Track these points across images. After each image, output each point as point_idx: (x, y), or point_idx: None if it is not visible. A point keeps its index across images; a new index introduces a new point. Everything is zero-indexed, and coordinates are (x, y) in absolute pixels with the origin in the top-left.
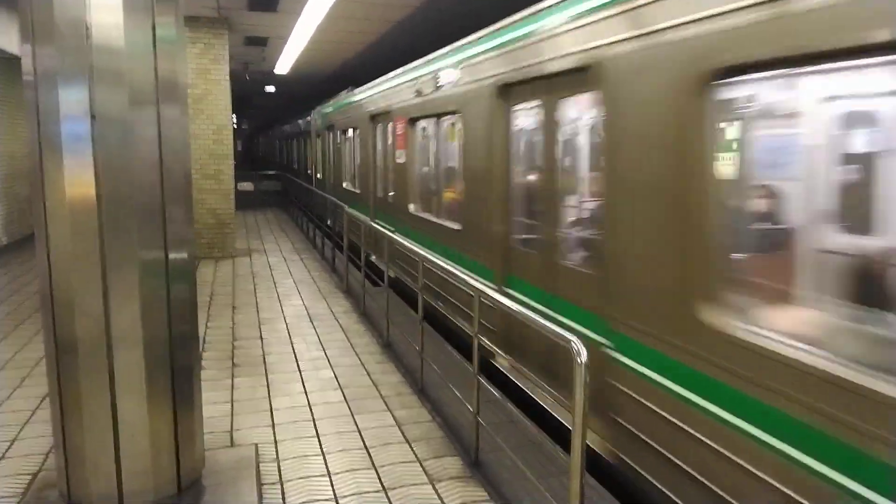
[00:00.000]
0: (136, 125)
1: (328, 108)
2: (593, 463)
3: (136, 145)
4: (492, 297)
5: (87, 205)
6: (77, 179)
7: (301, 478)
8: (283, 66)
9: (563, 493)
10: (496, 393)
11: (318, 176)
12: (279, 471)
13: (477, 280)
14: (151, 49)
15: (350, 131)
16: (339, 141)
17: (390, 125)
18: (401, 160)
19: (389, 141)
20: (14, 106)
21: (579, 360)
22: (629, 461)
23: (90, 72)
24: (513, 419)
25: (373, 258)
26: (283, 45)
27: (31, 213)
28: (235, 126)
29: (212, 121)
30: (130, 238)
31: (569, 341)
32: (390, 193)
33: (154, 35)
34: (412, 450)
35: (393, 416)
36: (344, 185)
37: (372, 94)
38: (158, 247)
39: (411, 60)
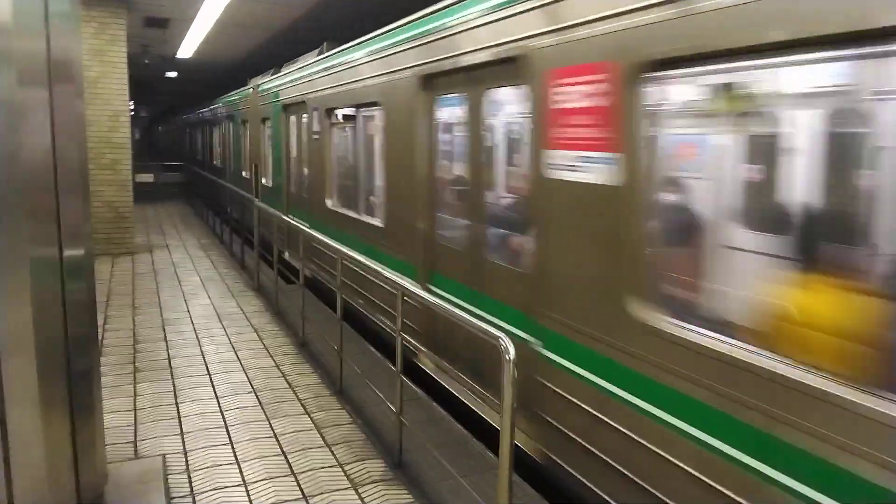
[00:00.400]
0: (25, 108)
1: (236, 96)
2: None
3: (26, 130)
4: (415, 294)
5: None
6: None
7: (214, 489)
8: (186, 50)
9: (490, 491)
10: (419, 392)
11: (228, 168)
12: (190, 482)
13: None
14: (44, 25)
15: (262, 122)
16: (250, 132)
17: (305, 116)
18: (316, 153)
19: (304, 133)
20: None
21: (507, 357)
22: (555, 457)
23: None
24: (436, 418)
25: (286, 255)
26: (188, 28)
27: None
28: (133, 113)
29: (108, 106)
30: (19, 233)
31: (497, 338)
32: (306, 188)
33: (46, 10)
34: (333, 454)
35: (311, 419)
36: (245, 175)
37: (284, 82)
38: (52, 243)
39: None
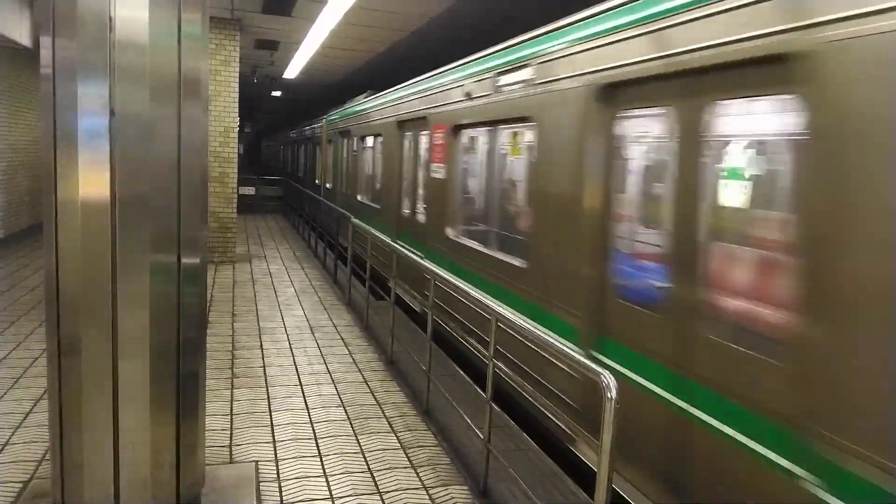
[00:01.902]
0: (156, 123)
1: (341, 113)
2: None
3: (156, 143)
4: (510, 321)
5: (100, 203)
6: (92, 176)
7: (303, 501)
8: (291, 71)
9: None
10: (509, 420)
11: (327, 185)
12: (280, 492)
13: (496, 303)
14: (176, 46)
15: (370, 139)
16: (354, 149)
17: (425, 133)
18: (438, 175)
19: (422, 152)
20: (17, 97)
21: (609, 395)
22: None
23: (111, 67)
24: (524, 448)
25: (390, 284)
26: (294, 50)
27: (41, 207)
28: (239, 129)
29: (219, 123)
30: (143, 240)
31: (598, 374)
32: (420, 212)
33: (179, 32)
34: (418, 475)
35: (397, 437)
36: (358, 197)
37: (401, 96)
38: (171, 250)
39: (423, 71)
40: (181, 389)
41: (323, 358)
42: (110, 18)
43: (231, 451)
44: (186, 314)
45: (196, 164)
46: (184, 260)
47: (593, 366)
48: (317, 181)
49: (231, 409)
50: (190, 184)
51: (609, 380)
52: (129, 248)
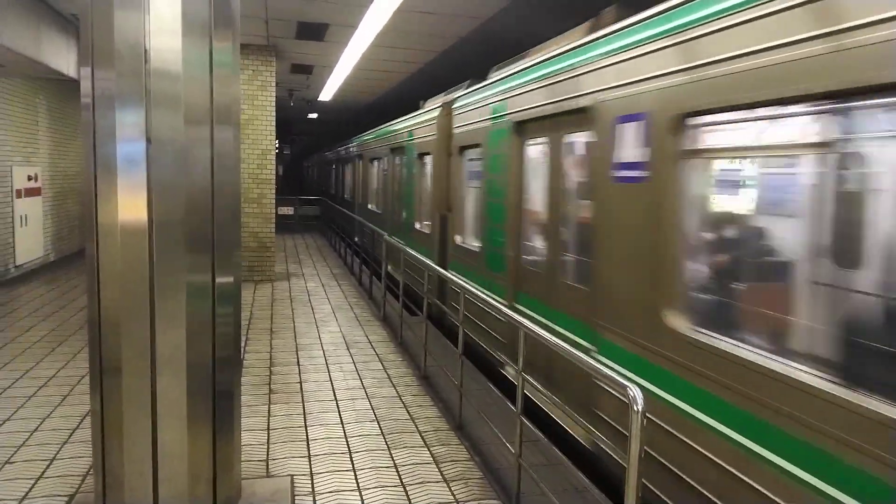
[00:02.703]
0: (190, 149)
1: (388, 129)
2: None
3: (190, 169)
4: (537, 333)
5: (138, 227)
6: (130, 202)
7: None
8: (326, 94)
9: None
10: (539, 434)
11: (375, 209)
12: None
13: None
14: (208, 74)
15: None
16: (414, 169)
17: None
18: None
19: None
20: (66, 126)
21: (636, 408)
22: None
23: (147, 95)
24: (555, 462)
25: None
26: (328, 73)
27: (82, 232)
28: (277, 151)
29: (256, 146)
30: (180, 262)
31: (625, 387)
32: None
33: (211, 60)
34: (450, 490)
35: (430, 452)
36: (416, 226)
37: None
38: (206, 270)
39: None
40: (217, 405)
41: (358, 373)
42: (145, 50)
43: (268, 464)
44: (222, 332)
45: (229, 187)
46: (218, 280)
47: (620, 379)
48: (359, 201)
49: (268, 424)
50: (224, 206)
51: (636, 393)
52: (166, 269)
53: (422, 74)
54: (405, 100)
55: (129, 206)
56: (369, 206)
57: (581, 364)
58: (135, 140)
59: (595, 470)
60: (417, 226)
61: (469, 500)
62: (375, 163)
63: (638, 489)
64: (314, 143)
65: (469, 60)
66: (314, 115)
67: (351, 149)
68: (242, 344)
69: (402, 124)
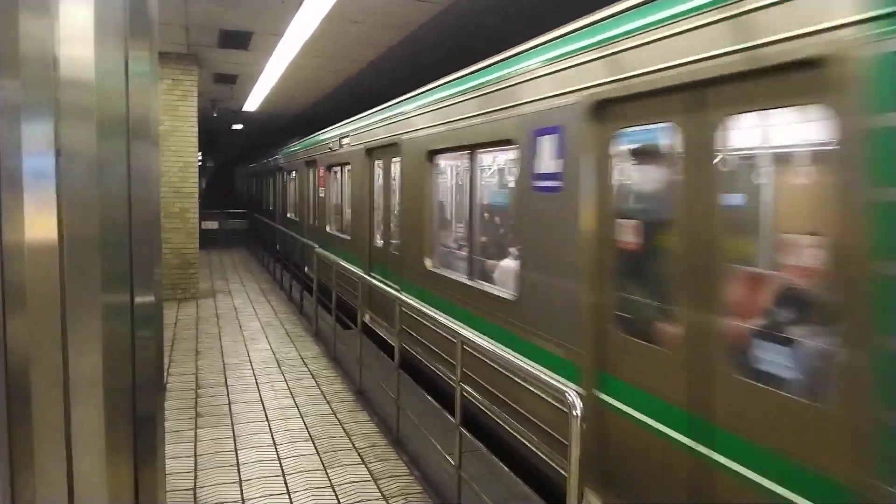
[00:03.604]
0: (104, 162)
1: (304, 143)
2: None
3: (104, 183)
4: (476, 344)
5: (48, 245)
6: (38, 218)
7: None
8: (251, 104)
9: None
10: (479, 445)
11: (294, 217)
12: None
13: (459, 325)
14: (124, 83)
15: (339, 169)
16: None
17: (397, 160)
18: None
19: (396, 179)
20: None
21: (574, 413)
22: None
23: (56, 106)
24: (496, 472)
25: (367, 319)
26: (253, 83)
27: None
28: (201, 163)
29: (178, 158)
30: (94, 281)
31: (563, 393)
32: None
33: (127, 69)
34: None
35: (368, 469)
36: (327, 228)
37: (366, 124)
38: (124, 290)
39: (387, 100)
40: (138, 433)
41: (290, 391)
42: (55, 58)
43: (195, 493)
44: (142, 355)
45: (148, 201)
46: (137, 300)
47: (558, 384)
48: (287, 215)
49: (195, 450)
50: (142, 221)
51: (574, 398)
52: (79, 290)
53: (352, 85)
54: (340, 111)
55: (38, 222)
56: (288, 216)
57: (518, 371)
58: (43, 153)
59: (537, 474)
60: (328, 229)
61: None
62: (294, 174)
63: (580, 493)
64: (241, 156)
65: (401, 66)
66: (239, 127)
67: (278, 160)
68: (166, 366)
69: (310, 140)
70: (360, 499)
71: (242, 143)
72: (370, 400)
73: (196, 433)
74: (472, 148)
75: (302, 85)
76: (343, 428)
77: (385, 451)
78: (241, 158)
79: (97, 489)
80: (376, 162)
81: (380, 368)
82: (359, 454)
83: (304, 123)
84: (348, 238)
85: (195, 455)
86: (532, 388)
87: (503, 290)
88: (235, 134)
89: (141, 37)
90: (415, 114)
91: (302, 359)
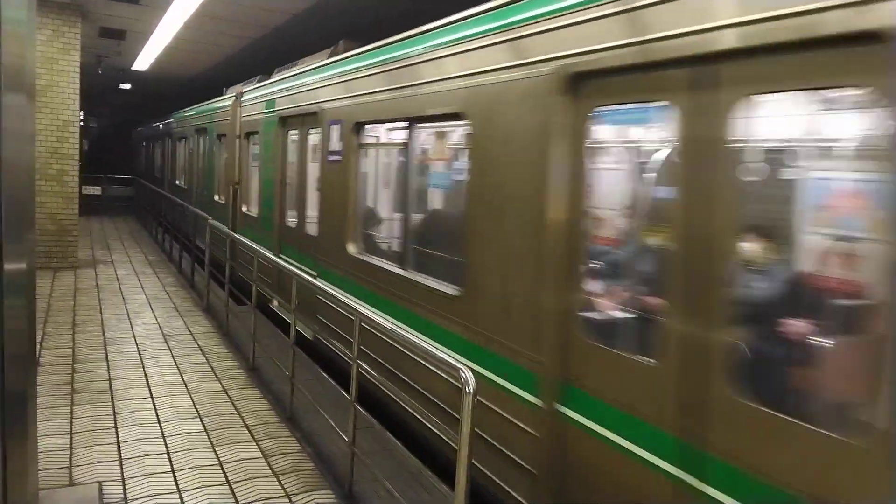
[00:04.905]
0: None
1: (211, 106)
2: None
3: None
4: (373, 320)
5: None
6: None
7: None
8: (142, 63)
9: None
10: (373, 421)
11: (192, 190)
12: None
13: (357, 303)
14: None
15: (247, 138)
16: (227, 149)
17: (313, 132)
18: (334, 178)
19: (309, 153)
20: None
21: (467, 390)
22: None
23: None
24: (390, 448)
25: (274, 305)
26: (145, 41)
27: None
28: (83, 123)
29: (56, 116)
30: None
31: (457, 370)
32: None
33: (0, 16)
34: (280, 484)
35: (259, 446)
36: (216, 198)
37: (280, 89)
38: None
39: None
40: (7, 409)
41: (178, 367)
42: None
43: (71, 472)
44: (12, 327)
45: (21, 161)
46: (7, 266)
47: (453, 361)
48: (177, 182)
49: (70, 427)
50: (14, 182)
51: (467, 375)
52: None
53: (252, 50)
54: (233, 78)
55: None
56: (177, 182)
57: (414, 348)
58: None
59: (429, 448)
60: (216, 198)
61: (300, 493)
62: (183, 141)
63: (468, 466)
64: (130, 119)
65: (299, 41)
66: (127, 86)
67: (167, 125)
68: (38, 339)
69: (205, 107)
70: (249, 476)
71: (135, 105)
72: (263, 377)
73: (72, 409)
74: (411, 121)
75: (201, 46)
76: (234, 405)
77: (277, 429)
78: (132, 122)
79: None
80: (290, 132)
81: (275, 346)
82: (249, 431)
83: (199, 88)
84: (253, 215)
85: (71, 433)
86: (429, 366)
87: (444, 283)
88: (125, 94)
89: None
90: (339, 80)
91: (191, 334)
